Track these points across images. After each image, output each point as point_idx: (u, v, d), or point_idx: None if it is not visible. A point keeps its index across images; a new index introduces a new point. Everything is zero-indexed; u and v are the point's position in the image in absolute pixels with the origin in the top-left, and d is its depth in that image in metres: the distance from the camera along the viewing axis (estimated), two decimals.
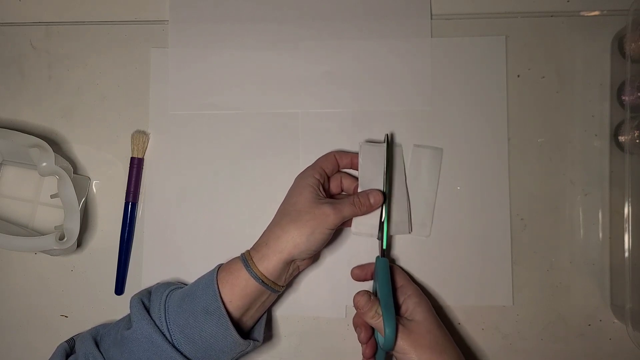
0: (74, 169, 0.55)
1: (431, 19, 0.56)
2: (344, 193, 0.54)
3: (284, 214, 0.48)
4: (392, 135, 0.54)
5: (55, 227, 0.53)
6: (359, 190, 0.51)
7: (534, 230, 0.54)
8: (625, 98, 0.53)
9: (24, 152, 0.50)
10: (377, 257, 0.51)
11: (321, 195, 0.49)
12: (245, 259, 0.47)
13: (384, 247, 0.51)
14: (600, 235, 0.54)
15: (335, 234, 0.55)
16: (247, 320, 0.48)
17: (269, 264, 0.46)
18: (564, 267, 0.54)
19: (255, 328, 0.50)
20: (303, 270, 0.52)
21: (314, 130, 0.55)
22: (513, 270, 0.54)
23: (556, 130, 0.55)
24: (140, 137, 0.55)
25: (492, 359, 0.54)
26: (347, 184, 0.53)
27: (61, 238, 0.49)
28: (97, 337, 0.49)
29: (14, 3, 0.57)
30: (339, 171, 0.53)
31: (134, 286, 0.55)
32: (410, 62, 0.55)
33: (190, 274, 0.54)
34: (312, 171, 0.51)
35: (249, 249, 0.49)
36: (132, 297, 0.48)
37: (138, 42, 0.57)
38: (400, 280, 0.51)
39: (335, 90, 0.55)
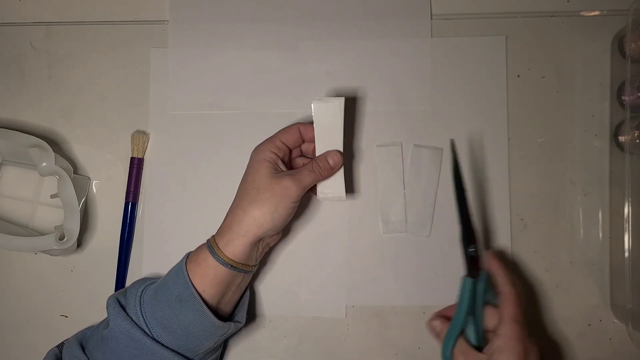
0: (74, 169, 0.55)
1: (431, 19, 0.56)
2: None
3: (244, 195, 0.47)
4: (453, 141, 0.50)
5: (55, 227, 0.53)
6: (317, 154, 0.49)
7: (534, 230, 0.54)
8: (625, 98, 0.53)
9: (24, 152, 0.50)
10: (463, 277, 0.46)
11: (279, 169, 0.47)
12: (211, 246, 0.46)
13: (471, 257, 0.46)
14: (600, 235, 0.54)
15: (330, 230, 0.55)
16: (226, 305, 0.48)
17: (235, 248, 0.45)
18: (564, 267, 0.54)
19: (237, 310, 0.50)
20: (273, 245, 0.52)
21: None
22: (513, 270, 0.54)
23: (556, 130, 0.55)
24: (140, 137, 0.55)
25: None
26: (305, 148, 0.51)
27: (61, 238, 0.49)
28: (83, 340, 0.48)
29: (14, 3, 0.57)
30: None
31: None
32: (410, 62, 0.55)
33: None
34: (269, 145, 0.48)
35: (213, 234, 0.48)
36: (108, 298, 0.48)
37: (138, 42, 0.57)
38: (504, 313, 0.44)
39: (335, 90, 0.55)
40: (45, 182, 0.55)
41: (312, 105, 0.48)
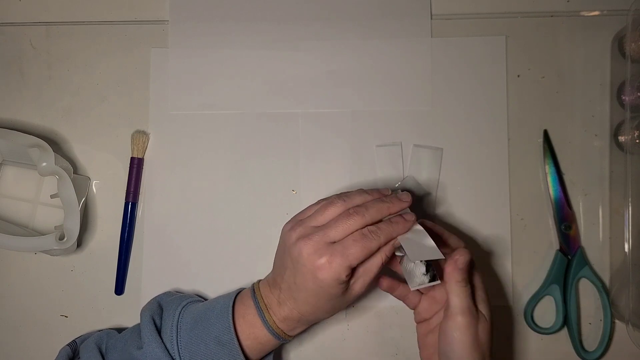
0: (74, 169, 0.55)
1: (431, 18, 0.56)
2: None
3: (293, 285, 0.43)
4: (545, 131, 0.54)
5: (55, 227, 0.53)
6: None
7: (534, 230, 0.54)
8: (625, 98, 0.53)
9: (23, 152, 0.50)
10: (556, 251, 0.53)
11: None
12: (262, 313, 0.44)
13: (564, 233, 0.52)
14: (600, 235, 0.54)
15: None
16: (255, 356, 0.46)
17: (289, 327, 0.44)
18: None
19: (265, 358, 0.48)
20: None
21: (314, 131, 0.55)
22: (513, 271, 0.54)
23: (556, 130, 0.55)
24: (140, 137, 0.55)
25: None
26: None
27: (61, 238, 0.49)
28: (102, 346, 0.47)
29: (14, 3, 0.57)
30: None
31: (134, 286, 0.55)
32: (410, 62, 0.55)
33: (190, 274, 0.54)
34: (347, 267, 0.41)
35: (260, 288, 0.45)
36: (142, 312, 0.46)
37: (138, 42, 0.57)
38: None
39: (335, 90, 0.55)
40: (45, 182, 0.55)
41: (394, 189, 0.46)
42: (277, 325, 0.44)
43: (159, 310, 0.48)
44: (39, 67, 0.57)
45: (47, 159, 0.49)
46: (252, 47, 0.56)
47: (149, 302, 0.49)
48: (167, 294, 0.52)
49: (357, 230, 0.41)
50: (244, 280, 0.54)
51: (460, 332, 0.42)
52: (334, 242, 0.41)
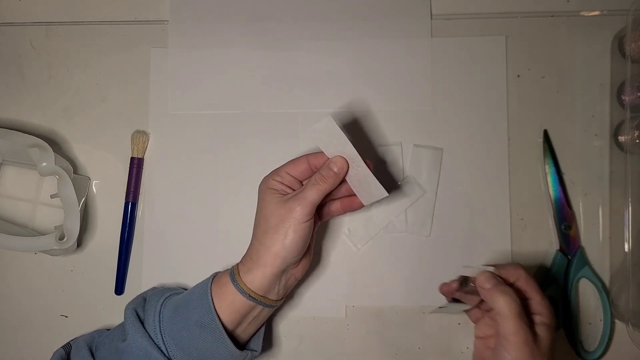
0: (74, 169, 0.55)
1: (431, 18, 0.56)
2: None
3: (256, 225, 0.46)
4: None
5: (55, 227, 0.53)
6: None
7: (534, 230, 0.54)
8: (625, 98, 0.53)
9: (24, 152, 0.50)
10: (556, 251, 0.53)
11: (286, 193, 0.46)
12: (233, 273, 0.45)
13: (564, 234, 0.53)
14: (600, 235, 0.54)
15: (328, 229, 0.55)
16: (242, 333, 0.47)
17: (254, 278, 0.44)
18: None
19: (253, 338, 0.49)
20: (300, 277, 0.49)
21: None
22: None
23: (556, 130, 0.55)
24: (140, 137, 0.55)
25: None
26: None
27: (61, 238, 0.49)
28: (92, 345, 0.48)
29: (14, 3, 0.57)
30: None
31: (134, 286, 0.55)
32: (410, 62, 0.55)
33: (190, 274, 0.54)
34: (273, 174, 0.47)
35: (238, 262, 0.47)
36: (126, 306, 0.47)
37: (138, 42, 0.57)
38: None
39: (336, 90, 0.55)
40: (45, 182, 0.55)
41: (310, 135, 0.46)
42: (249, 288, 0.44)
43: (142, 303, 0.48)
44: (39, 67, 0.57)
45: (47, 159, 0.49)
46: (252, 47, 0.56)
47: (134, 298, 0.50)
48: (152, 289, 0.52)
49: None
50: None
51: (510, 353, 0.41)
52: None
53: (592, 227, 0.54)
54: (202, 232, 0.55)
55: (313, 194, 0.44)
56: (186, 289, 0.50)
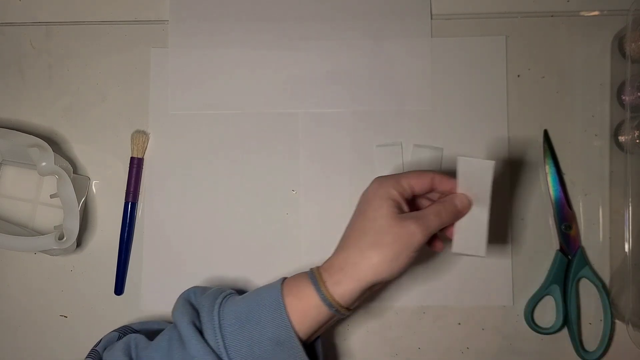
0: (74, 169, 0.55)
1: (431, 18, 0.56)
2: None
3: (361, 234, 0.42)
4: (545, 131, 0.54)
5: (55, 227, 0.53)
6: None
7: (534, 230, 0.54)
8: (625, 98, 0.53)
9: (23, 152, 0.50)
10: (556, 251, 0.53)
11: (403, 211, 0.42)
12: (317, 283, 0.41)
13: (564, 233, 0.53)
14: (600, 235, 0.54)
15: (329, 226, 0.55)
16: (308, 339, 0.43)
17: (344, 291, 0.40)
18: None
19: (316, 342, 0.45)
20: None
21: (314, 131, 0.55)
22: (513, 271, 0.54)
23: (556, 130, 0.55)
24: (140, 137, 0.55)
25: (492, 359, 0.54)
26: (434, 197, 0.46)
27: (61, 238, 0.49)
28: (131, 352, 0.43)
29: (14, 3, 0.57)
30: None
31: (133, 286, 0.55)
32: (410, 62, 0.56)
33: (190, 274, 0.54)
34: (395, 182, 0.43)
35: (318, 267, 0.43)
36: (178, 318, 0.42)
37: (138, 42, 0.57)
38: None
39: (335, 90, 0.55)
40: (45, 182, 0.55)
41: (458, 160, 0.44)
42: (338, 302, 0.40)
43: (194, 313, 0.43)
44: (39, 67, 0.57)
45: (47, 158, 0.49)
46: (252, 47, 0.56)
47: (179, 305, 0.44)
48: (193, 292, 0.46)
49: None
50: (244, 279, 0.54)
51: None
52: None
53: (593, 227, 0.54)
54: (202, 232, 0.55)
55: (435, 225, 0.42)
56: (239, 290, 0.46)
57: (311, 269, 0.43)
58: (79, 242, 0.55)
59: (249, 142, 0.56)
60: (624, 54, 0.53)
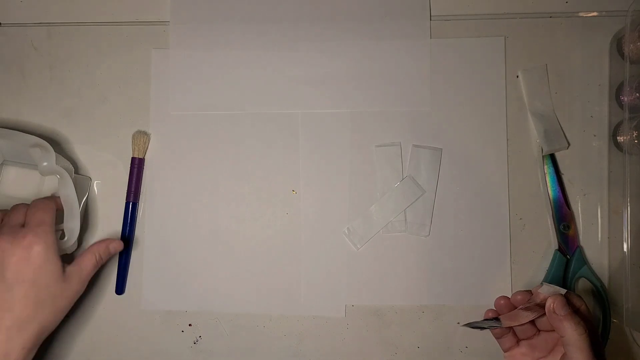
0: (75, 169, 0.56)
1: (430, 19, 0.56)
2: None
3: None
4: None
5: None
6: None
7: (533, 230, 0.54)
8: (624, 98, 0.53)
9: (25, 152, 0.50)
10: (554, 250, 0.53)
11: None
12: None
13: (563, 233, 0.53)
14: (599, 235, 0.54)
15: (328, 229, 0.55)
16: None
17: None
18: None
19: None
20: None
21: (313, 131, 0.55)
22: (512, 270, 0.54)
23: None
24: (141, 137, 0.55)
25: (492, 359, 0.54)
26: None
27: (61, 238, 0.49)
28: None
29: (16, 4, 0.58)
30: None
31: (134, 286, 0.55)
32: (409, 62, 0.56)
33: (190, 274, 0.54)
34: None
35: None
36: None
37: (139, 43, 0.57)
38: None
39: (335, 90, 0.56)
40: (46, 182, 0.56)
41: (543, 286, 0.44)
42: None
43: None
44: (40, 67, 0.57)
45: (49, 158, 0.49)
46: (253, 48, 0.56)
47: None
48: None
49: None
50: (243, 279, 0.54)
51: None
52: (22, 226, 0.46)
53: (591, 227, 0.54)
54: (202, 232, 0.55)
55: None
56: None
57: None
58: (80, 242, 0.55)
59: (249, 142, 0.56)
60: (622, 55, 0.53)
